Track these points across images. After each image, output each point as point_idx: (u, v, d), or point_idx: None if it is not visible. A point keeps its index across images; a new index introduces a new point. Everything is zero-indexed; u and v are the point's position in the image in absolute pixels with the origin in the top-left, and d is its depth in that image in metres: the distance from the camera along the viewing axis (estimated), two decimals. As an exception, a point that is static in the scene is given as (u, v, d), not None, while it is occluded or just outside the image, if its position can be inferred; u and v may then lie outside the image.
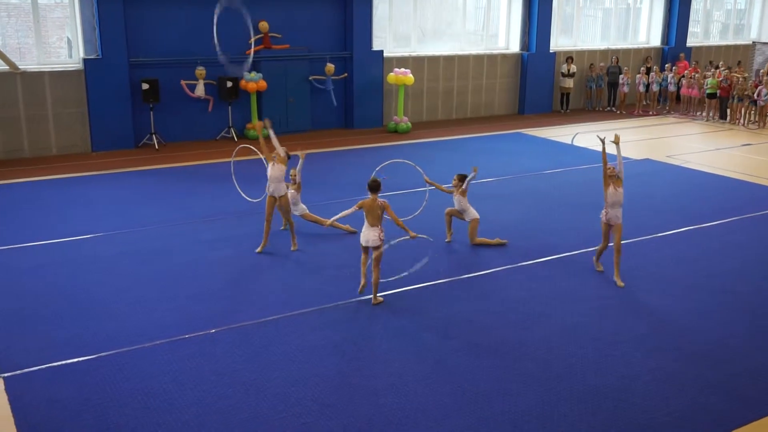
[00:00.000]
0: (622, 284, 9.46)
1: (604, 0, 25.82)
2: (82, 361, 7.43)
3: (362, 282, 9.01)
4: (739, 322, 8.56)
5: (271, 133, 10.65)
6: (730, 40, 28.84)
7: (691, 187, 14.54)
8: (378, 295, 8.84)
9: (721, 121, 21.78)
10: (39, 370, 7.25)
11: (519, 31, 22.69)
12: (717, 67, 23.04)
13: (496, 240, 10.94)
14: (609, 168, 9.42)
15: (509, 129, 20.40)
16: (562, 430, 6.40)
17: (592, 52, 24.43)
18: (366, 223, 8.73)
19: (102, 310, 8.62)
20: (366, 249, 8.87)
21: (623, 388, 7.08)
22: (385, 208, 8.68)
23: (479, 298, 9.11)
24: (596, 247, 10.08)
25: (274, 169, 10.26)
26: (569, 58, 23.13)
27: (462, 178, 10.78)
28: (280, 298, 9.01)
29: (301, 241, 10.91)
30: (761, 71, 22.75)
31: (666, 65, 24.37)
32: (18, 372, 7.20)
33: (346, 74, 19.55)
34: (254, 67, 18.17)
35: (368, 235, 8.71)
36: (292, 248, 10.60)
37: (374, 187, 8.69)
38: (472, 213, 10.79)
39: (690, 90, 22.77)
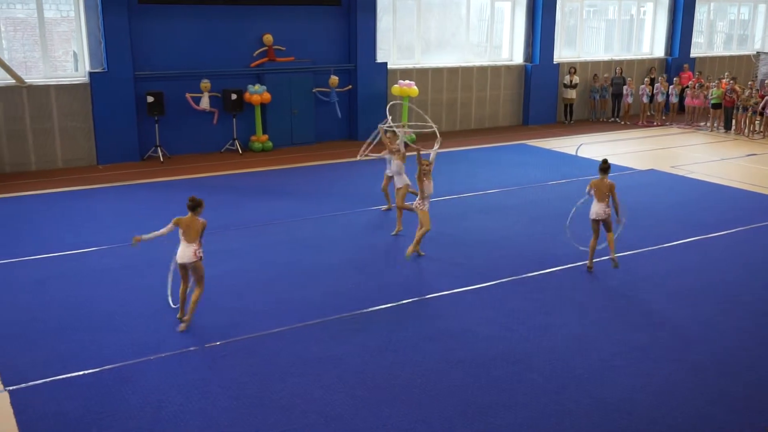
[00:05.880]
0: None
1: (608, 11, 25.88)
2: (88, 373, 7.45)
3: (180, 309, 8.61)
4: (743, 332, 8.53)
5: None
6: (734, 51, 28.87)
7: (695, 197, 14.52)
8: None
9: (726, 131, 21.78)
10: (44, 383, 7.27)
11: (523, 43, 22.76)
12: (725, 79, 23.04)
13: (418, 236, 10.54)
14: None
15: (513, 140, 20.41)
16: (567, 442, 6.40)
17: (595, 63, 24.47)
18: (183, 241, 8.29)
19: (107, 322, 8.65)
20: (183, 268, 8.40)
21: (628, 399, 7.06)
22: (204, 227, 8.26)
23: (484, 309, 9.10)
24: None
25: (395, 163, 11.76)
26: (572, 69, 23.18)
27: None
28: (283, 310, 9.02)
29: (298, 254, 10.94)
30: (766, 81, 22.76)
31: (668, 76, 24.37)
32: (23, 385, 7.22)
33: (350, 86, 19.62)
34: (259, 79, 18.27)
35: (185, 252, 8.26)
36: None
37: (193, 207, 8.28)
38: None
39: (694, 100, 22.79)
